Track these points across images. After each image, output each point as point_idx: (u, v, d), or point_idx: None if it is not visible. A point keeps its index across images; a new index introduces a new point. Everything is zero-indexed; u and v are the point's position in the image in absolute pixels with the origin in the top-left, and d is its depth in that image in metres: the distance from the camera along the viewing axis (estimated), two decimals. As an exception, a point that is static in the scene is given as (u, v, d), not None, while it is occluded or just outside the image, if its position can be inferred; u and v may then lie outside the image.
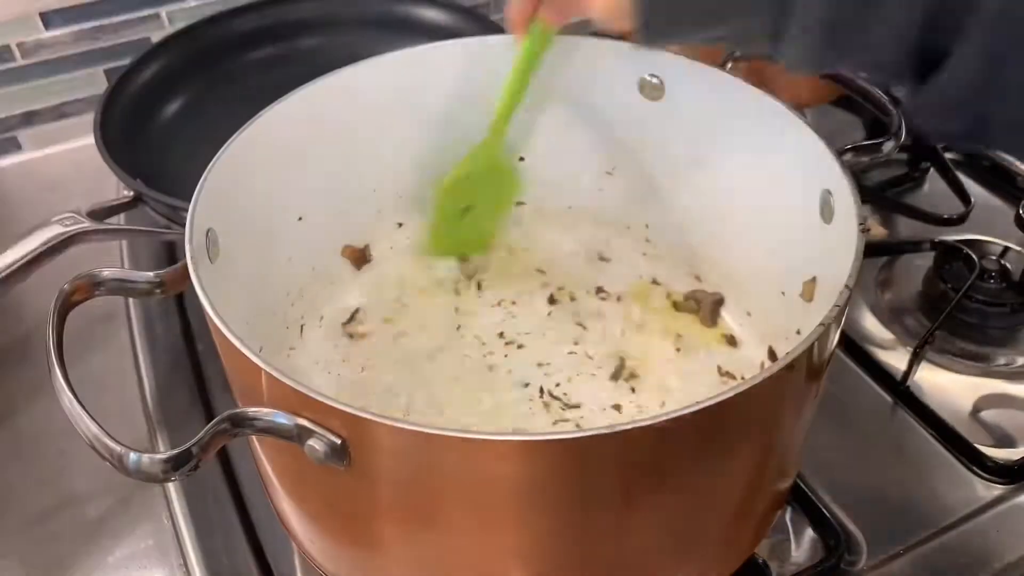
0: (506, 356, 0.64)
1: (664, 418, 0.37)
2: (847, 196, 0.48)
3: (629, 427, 0.37)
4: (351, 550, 0.48)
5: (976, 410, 0.65)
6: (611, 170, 0.67)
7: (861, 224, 0.46)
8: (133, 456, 0.38)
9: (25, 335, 0.73)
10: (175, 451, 0.38)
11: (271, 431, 0.40)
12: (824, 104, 0.87)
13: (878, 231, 0.48)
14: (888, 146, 0.52)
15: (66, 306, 0.44)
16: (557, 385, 0.62)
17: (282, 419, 0.39)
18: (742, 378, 0.62)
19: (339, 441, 0.38)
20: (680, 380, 0.62)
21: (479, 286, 0.69)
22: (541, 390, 0.62)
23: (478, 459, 0.38)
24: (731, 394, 0.38)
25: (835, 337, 0.44)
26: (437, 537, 0.43)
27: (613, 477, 0.40)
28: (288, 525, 0.52)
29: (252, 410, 0.40)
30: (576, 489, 0.40)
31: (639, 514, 0.43)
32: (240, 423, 0.39)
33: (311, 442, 0.39)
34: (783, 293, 0.58)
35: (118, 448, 0.38)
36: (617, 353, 0.64)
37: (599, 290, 0.69)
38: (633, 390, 0.62)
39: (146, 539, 0.59)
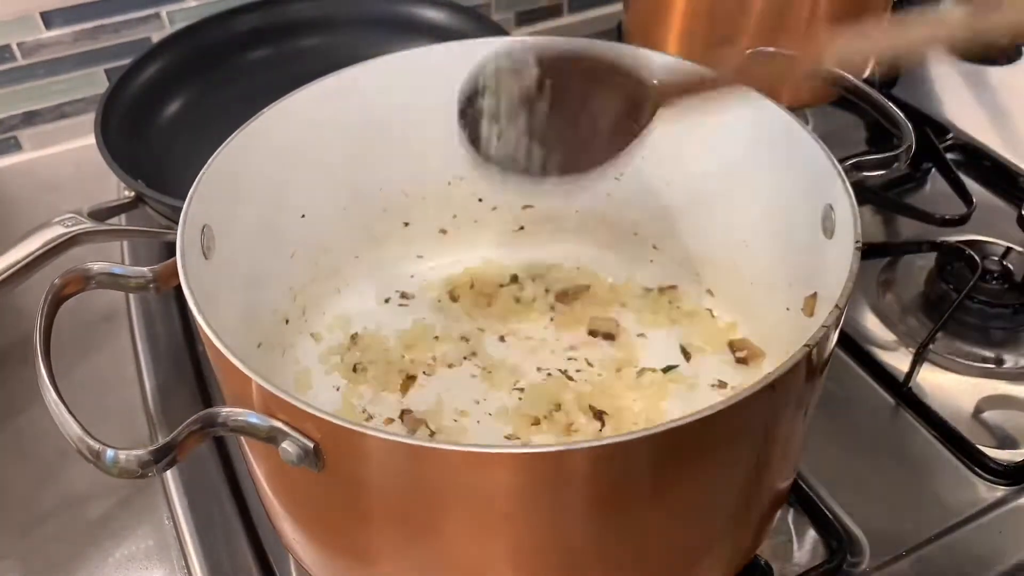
0: (508, 360, 0.64)
1: (659, 430, 0.37)
2: (847, 213, 0.47)
3: (625, 439, 0.37)
4: (332, 553, 0.48)
5: (978, 411, 0.65)
6: (619, 176, 0.67)
7: (857, 242, 0.45)
8: (110, 452, 0.38)
9: (26, 335, 0.72)
10: (151, 447, 0.38)
11: (244, 431, 0.40)
12: (824, 104, 0.87)
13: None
14: (899, 162, 0.52)
15: (56, 300, 0.44)
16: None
17: (255, 419, 0.39)
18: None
19: (312, 444, 0.39)
20: (685, 388, 0.62)
21: (482, 288, 0.69)
22: (543, 394, 0.61)
23: (448, 468, 0.38)
24: (716, 409, 0.37)
25: (829, 348, 0.44)
26: (415, 543, 0.43)
27: (608, 487, 0.40)
28: (277, 527, 0.52)
29: (225, 410, 0.40)
30: (564, 500, 0.40)
31: (639, 520, 0.43)
32: (212, 422, 0.39)
33: (284, 444, 0.39)
34: (788, 309, 0.57)
35: (96, 445, 0.39)
36: (622, 359, 0.64)
37: (605, 296, 0.68)
38: (638, 396, 0.61)
39: (147, 539, 0.59)
